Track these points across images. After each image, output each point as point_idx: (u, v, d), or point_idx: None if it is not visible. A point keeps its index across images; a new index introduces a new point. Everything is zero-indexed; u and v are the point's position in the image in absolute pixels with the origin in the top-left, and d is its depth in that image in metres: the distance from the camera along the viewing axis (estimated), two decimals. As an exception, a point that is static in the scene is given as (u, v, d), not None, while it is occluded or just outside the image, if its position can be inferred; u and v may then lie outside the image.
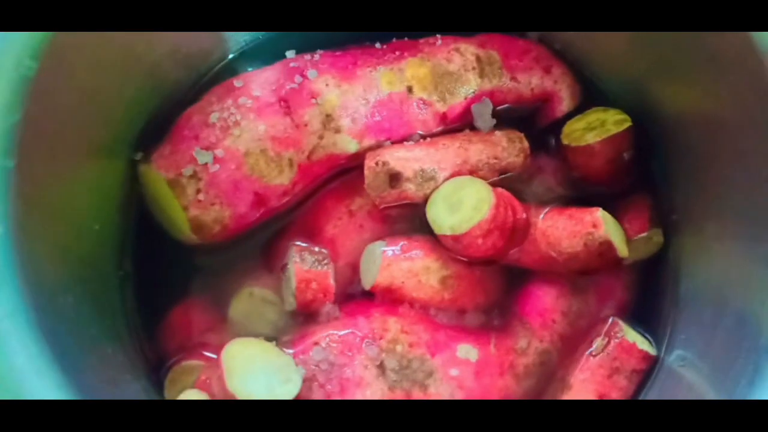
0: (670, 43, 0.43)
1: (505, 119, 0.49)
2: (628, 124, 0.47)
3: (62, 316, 0.37)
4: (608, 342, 0.44)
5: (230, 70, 0.48)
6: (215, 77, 0.49)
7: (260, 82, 0.46)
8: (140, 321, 0.46)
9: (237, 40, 0.50)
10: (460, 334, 0.46)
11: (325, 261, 0.45)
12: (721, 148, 0.42)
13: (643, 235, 0.47)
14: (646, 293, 0.48)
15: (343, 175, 0.48)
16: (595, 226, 0.44)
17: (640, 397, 0.43)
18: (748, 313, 0.38)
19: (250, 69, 0.47)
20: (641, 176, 0.49)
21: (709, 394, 0.38)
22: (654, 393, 0.43)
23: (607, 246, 0.44)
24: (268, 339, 0.43)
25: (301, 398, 0.41)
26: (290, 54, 0.48)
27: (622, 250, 0.45)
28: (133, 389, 0.41)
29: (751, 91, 0.37)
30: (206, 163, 0.44)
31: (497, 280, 0.48)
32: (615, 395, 0.43)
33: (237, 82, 0.46)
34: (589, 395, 0.43)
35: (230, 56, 0.50)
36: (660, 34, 0.43)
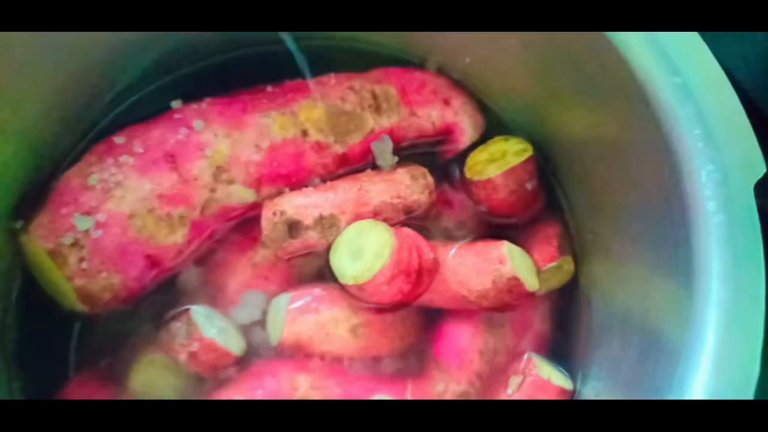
0: (558, 70, 0.42)
1: (408, 155, 0.48)
2: (528, 153, 0.47)
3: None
4: (524, 379, 0.43)
5: (114, 127, 0.46)
6: (98, 136, 0.46)
7: (143, 138, 0.43)
8: (32, 397, 0.42)
9: (119, 88, 0.47)
10: (375, 384, 0.44)
11: (225, 325, 0.43)
12: (615, 174, 0.42)
13: (554, 264, 0.46)
14: (562, 323, 0.47)
15: (243, 225, 0.46)
16: (501, 261, 0.43)
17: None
18: (649, 340, 0.37)
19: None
20: (548, 204, 0.49)
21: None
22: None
23: (515, 282, 0.43)
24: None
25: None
26: (176, 104, 0.45)
27: (531, 283, 0.44)
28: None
29: (633, 117, 0.37)
30: (88, 230, 0.42)
31: (412, 323, 0.46)
32: (533, 435, 0.42)
33: (118, 139, 0.43)
34: (507, 438, 0.41)
35: (113, 112, 0.48)
36: (549, 62, 0.42)
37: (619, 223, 0.43)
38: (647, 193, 0.38)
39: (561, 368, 0.44)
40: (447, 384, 0.44)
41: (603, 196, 0.45)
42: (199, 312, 0.43)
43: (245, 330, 0.45)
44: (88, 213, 0.42)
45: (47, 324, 0.44)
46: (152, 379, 0.44)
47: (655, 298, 0.38)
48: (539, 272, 0.46)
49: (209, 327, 0.42)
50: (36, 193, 0.44)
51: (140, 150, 0.43)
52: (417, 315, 0.47)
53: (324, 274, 0.45)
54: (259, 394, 0.42)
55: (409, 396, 0.44)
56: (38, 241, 0.42)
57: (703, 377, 0.33)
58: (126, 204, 0.42)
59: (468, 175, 0.47)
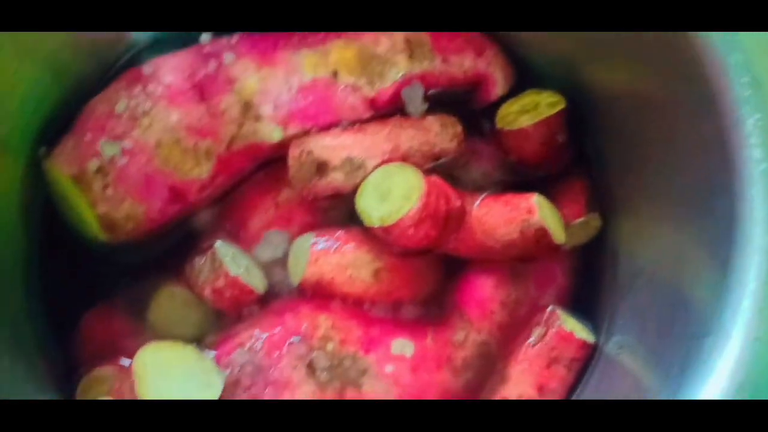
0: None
1: (437, 103, 0.47)
2: (561, 106, 0.46)
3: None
4: (546, 331, 0.42)
5: (140, 59, 0.45)
6: (124, 67, 0.45)
7: (172, 68, 0.42)
8: (48, 328, 0.42)
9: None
10: (395, 328, 0.44)
11: (248, 263, 0.42)
12: (650, 130, 0.41)
13: (581, 219, 0.46)
14: (586, 278, 0.46)
15: (268, 165, 0.46)
16: (530, 212, 0.43)
17: (579, 385, 0.42)
18: (679, 298, 0.37)
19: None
20: (577, 159, 0.48)
21: (645, 379, 0.37)
22: (593, 381, 0.42)
23: (542, 233, 0.42)
24: (191, 341, 0.40)
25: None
26: (205, 38, 0.44)
27: (558, 236, 0.43)
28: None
29: (677, 68, 0.36)
30: (113, 156, 0.41)
31: (434, 270, 0.46)
32: (554, 385, 0.42)
33: (146, 69, 0.43)
34: (528, 386, 0.41)
35: (140, 44, 0.47)
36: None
37: (650, 178, 0.42)
38: (684, 145, 0.38)
39: (585, 322, 0.44)
40: (468, 333, 0.44)
41: (635, 151, 0.44)
42: (223, 248, 0.43)
43: (266, 269, 0.45)
44: (114, 139, 0.41)
45: (69, 255, 0.44)
46: (171, 312, 0.44)
47: (688, 253, 0.38)
48: (566, 226, 0.45)
49: (233, 263, 0.42)
50: (60, 120, 0.43)
51: (169, 80, 0.42)
52: (440, 264, 0.46)
53: (348, 217, 0.45)
54: (278, 331, 0.41)
55: (429, 342, 0.44)
56: (62, 166, 0.41)
57: (739, 335, 0.32)
58: (153, 133, 0.41)
59: (499, 125, 0.47)
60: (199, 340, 0.41)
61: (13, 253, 0.42)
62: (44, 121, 0.43)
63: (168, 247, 0.44)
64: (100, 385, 0.39)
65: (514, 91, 0.49)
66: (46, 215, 0.44)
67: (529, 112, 0.46)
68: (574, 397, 0.42)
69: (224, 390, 0.38)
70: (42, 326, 0.42)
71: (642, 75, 0.41)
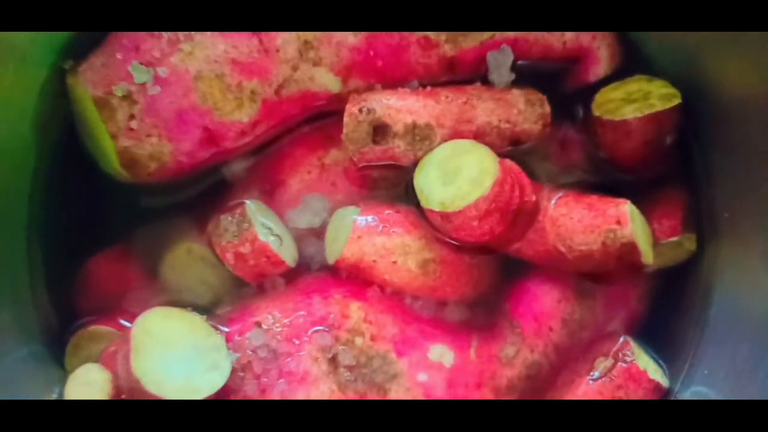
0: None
1: (526, 76, 0.40)
2: (677, 100, 0.39)
3: None
4: (614, 365, 0.36)
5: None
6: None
7: (226, -12, 0.36)
8: (46, 269, 0.37)
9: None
10: (436, 330, 0.38)
11: (282, 230, 0.37)
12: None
13: (673, 239, 0.39)
14: (667, 309, 0.40)
15: (318, 119, 0.40)
16: (619, 222, 0.36)
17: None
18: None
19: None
20: (680, 167, 0.41)
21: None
22: None
23: (630, 248, 0.36)
24: (201, 310, 0.35)
25: (227, 391, 0.33)
26: (269, -42, 0.38)
27: (647, 255, 0.37)
28: (12, 358, 0.32)
29: None
30: (144, 83, 0.35)
31: (489, 269, 0.40)
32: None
33: (197, -15, 0.36)
34: (583, 427, 0.35)
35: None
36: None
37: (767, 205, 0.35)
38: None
39: (660, 361, 0.37)
40: (519, 348, 0.38)
41: (754, 170, 0.37)
42: (255, 208, 0.37)
43: (298, 238, 0.39)
44: (149, 64, 0.35)
45: (81, 187, 0.39)
46: (187, 271, 0.38)
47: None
48: (655, 245, 0.38)
49: (263, 228, 0.36)
50: (93, 30, 0.38)
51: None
52: (497, 262, 0.40)
53: (402, 194, 0.39)
54: (302, 315, 0.36)
55: (472, 354, 0.38)
56: (86, 85, 0.36)
57: None
58: (194, 62, 0.36)
59: (597, 112, 0.39)
60: (211, 310, 0.36)
61: (19, 173, 0.37)
62: (75, 30, 0.37)
63: (193, 197, 0.39)
64: (93, 344, 0.35)
65: (618, 75, 0.41)
66: (63, 139, 0.39)
67: (636, 102, 0.39)
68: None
69: (231, 375, 0.33)
70: (41, 265, 0.37)
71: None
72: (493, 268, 0.40)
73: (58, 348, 0.35)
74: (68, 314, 0.37)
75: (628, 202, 0.37)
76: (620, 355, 0.36)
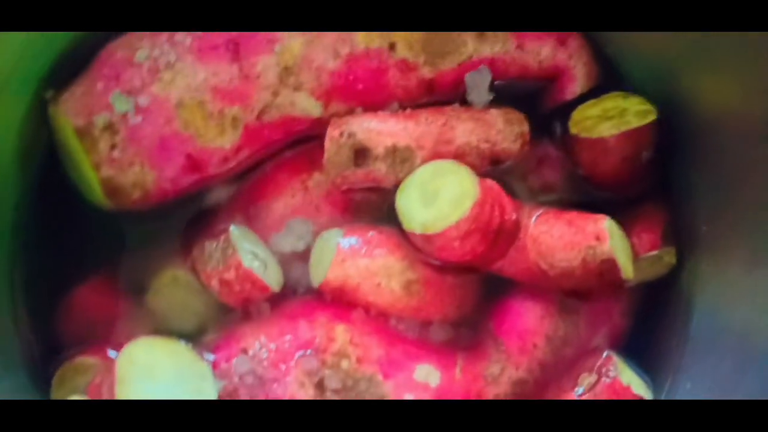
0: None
1: (504, 96, 0.41)
2: (652, 116, 0.39)
3: None
4: (598, 380, 0.36)
5: None
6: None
7: (205, 17, 0.37)
8: (32, 299, 0.37)
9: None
10: (421, 351, 0.38)
11: (266, 255, 0.37)
12: (756, 163, 0.34)
13: (653, 253, 0.39)
14: (649, 324, 0.40)
15: (300, 144, 0.40)
16: (598, 238, 0.36)
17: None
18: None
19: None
20: (659, 182, 0.41)
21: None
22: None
23: (610, 266, 0.36)
24: (187, 337, 0.35)
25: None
26: (248, -13, 0.38)
27: (626, 271, 0.37)
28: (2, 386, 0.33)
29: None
30: (126, 113, 0.35)
31: (473, 288, 0.40)
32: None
33: (176, 14, 0.37)
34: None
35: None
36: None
37: (746, 219, 0.36)
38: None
39: (644, 376, 0.38)
40: (504, 366, 0.38)
41: (732, 185, 0.37)
42: (238, 233, 0.37)
43: (283, 262, 0.39)
44: (129, 93, 0.36)
45: (65, 217, 0.39)
46: (173, 298, 0.39)
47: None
48: (634, 260, 0.39)
49: (247, 253, 0.36)
50: (74, 60, 0.38)
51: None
52: (480, 282, 0.40)
53: (385, 216, 0.39)
54: (288, 340, 0.36)
55: (458, 373, 0.38)
56: (67, 116, 0.36)
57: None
58: (174, 90, 0.36)
59: (574, 130, 0.40)
60: (197, 336, 0.36)
61: (1, 203, 0.37)
62: (55, 58, 0.38)
63: (177, 224, 0.39)
64: (79, 376, 0.35)
65: (595, 92, 0.42)
66: (46, 168, 0.39)
67: (612, 120, 0.40)
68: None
69: (217, 403, 0.33)
70: (25, 296, 0.37)
71: (759, 94, 0.34)
72: (476, 287, 0.40)
73: (43, 379, 0.35)
74: (53, 345, 0.37)
75: (608, 218, 0.37)
76: (603, 370, 0.37)
